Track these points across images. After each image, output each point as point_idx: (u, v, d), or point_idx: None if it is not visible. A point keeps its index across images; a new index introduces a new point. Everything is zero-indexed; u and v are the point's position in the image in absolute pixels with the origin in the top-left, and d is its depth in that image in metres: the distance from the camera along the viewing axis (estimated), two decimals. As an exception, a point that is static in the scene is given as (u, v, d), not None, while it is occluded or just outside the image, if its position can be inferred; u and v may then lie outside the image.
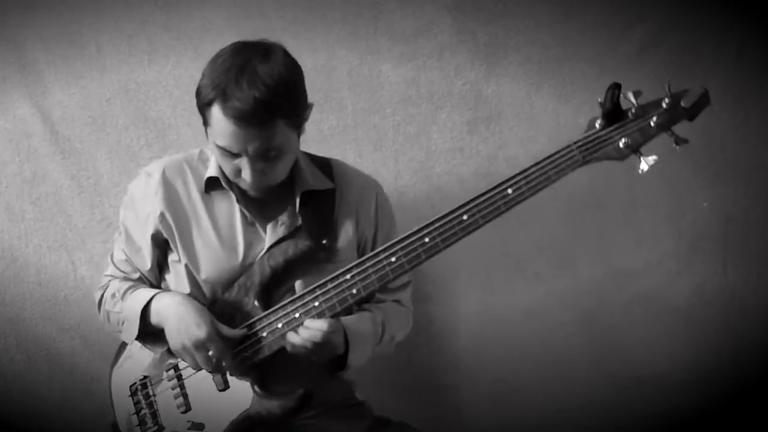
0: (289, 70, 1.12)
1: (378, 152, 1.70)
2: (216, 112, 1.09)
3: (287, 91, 1.10)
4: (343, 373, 1.27)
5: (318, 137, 1.66)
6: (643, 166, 1.07)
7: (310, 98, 1.63)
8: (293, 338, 1.14)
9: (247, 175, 1.14)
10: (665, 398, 1.84)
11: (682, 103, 1.05)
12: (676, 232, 1.80)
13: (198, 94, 1.14)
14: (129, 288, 1.26)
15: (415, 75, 1.68)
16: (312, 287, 1.16)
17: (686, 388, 1.84)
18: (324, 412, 1.31)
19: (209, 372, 1.18)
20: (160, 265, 1.29)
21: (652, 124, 1.07)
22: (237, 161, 1.14)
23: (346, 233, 1.29)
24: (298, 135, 1.19)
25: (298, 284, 1.17)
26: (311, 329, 1.13)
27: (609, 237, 1.79)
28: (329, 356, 1.20)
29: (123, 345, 1.31)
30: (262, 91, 1.06)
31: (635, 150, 1.08)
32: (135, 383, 1.25)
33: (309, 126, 1.64)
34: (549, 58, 1.70)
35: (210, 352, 1.14)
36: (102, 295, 1.31)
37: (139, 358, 1.28)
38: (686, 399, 1.84)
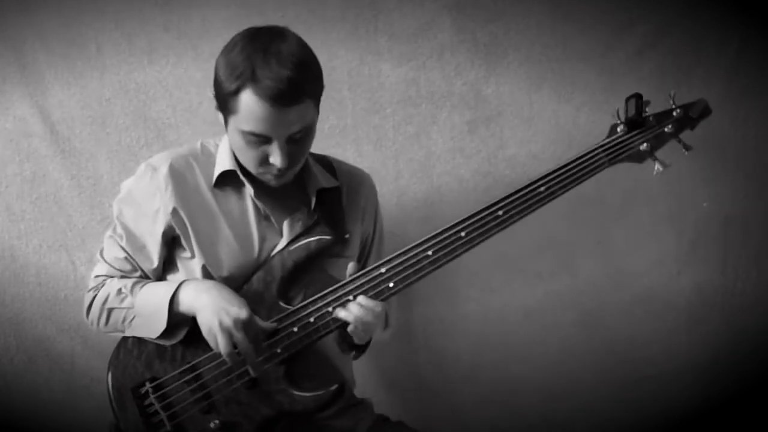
0: (307, 49, 1.14)
1: (378, 152, 1.70)
2: (247, 96, 1.07)
3: (312, 69, 1.12)
4: (359, 355, 1.30)
5: (318, 137, 1.64)
6: (658, 168, 1.21)
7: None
8: (342, 314, 1.14)
9: (277, 160, 1.12)
10: (665, 398, 1.84)
11: (690, 114, 1.21)
12: (676, 232, 1.80)
13: (219, 84, 1.11)
14: (135, 284, 1.23)
15: (415, 75, 1.68)
16: (342, 283, 1.17)
17: (686, 387, 1.84)
18: (329, 413, 1.31)
19: (244, 353, 1.13)
20: (165, 264, 1.27)
21: (666, 130, 1.22)
22: (264, 147, 1.13)
23: (355, 228, 1.32)
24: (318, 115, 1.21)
25: (351, 266, 1.16)
26: (364, 307, 1.13)
27: (609, 237, 1.79)
28: (368, 336, 1.21)
29: (120, 345, 1.28)
30: (292, 69, 1.06)
31: (652, 154, 1.22)
32: (145, 386, 1.21)
33: (309, 126, 1.66)
34: (549, 58, 1.70)
35: (249, 333, 1.12)
36: (95, 296, 1.26)
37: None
38: (686, 398, 1.84)
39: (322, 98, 1.65)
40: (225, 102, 1.12)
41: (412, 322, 1.60)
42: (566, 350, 1.81)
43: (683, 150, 1.22)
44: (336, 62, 1.65)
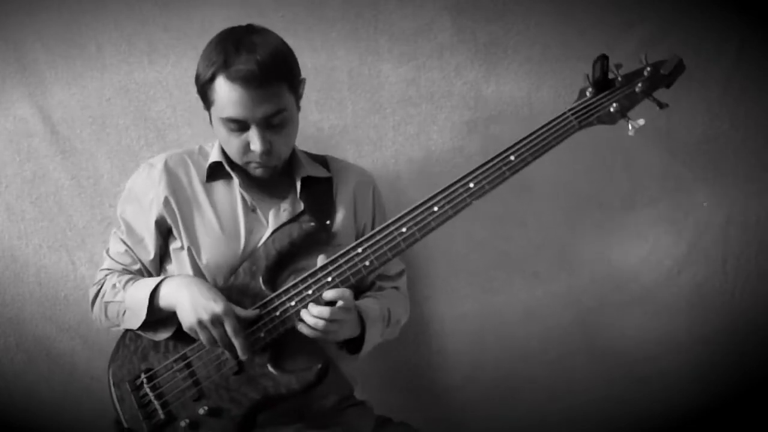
0: (280, 40, 1.20)
1: (378, 152, 1.70)
2: (220, 82, 1.14)
3: (284, 56, 1.18)
4: (357, 355, 1.29)
5: (318, 137, 1.66)
6: (631, 129, 1.18)
7: (310, 98, 1.65)
8: (304, 316, 1.16)
9: (256, 145, 1.18)
10: (665, 398, 1.84)
11: (662, 71, 1.19)
12: (676, 232, 1.80)
13: (197, 78, 1.19)
14: (130, 279, 1.27)
15: (415, 75, 1.68)
16: (320, 265, 1.18)
17: (686, 387, 1.84)
18: (327, 411, 1.32)
19: (225, 348, 1.17)
20: (162, 256, 1.31)
21: (636, 90, 1.19)
22: (244, 135, 1.19)
23: (346, 219, 1.33)
24: (297, 107, 1.25)
25: (320, 258, 1.19)
26: (316, 315, 1.14)
27: (609, 237, 1.79)
28: (344, 336, 1.22)
29: (119, 341, 1.30)
30: (262, 55, 1.13)
31: (624, 115, 1.19)
32: (140, 377, 1.24)
33: (309, 126, 1.66)
34: (549, 58, 1.70)
35: (227, 327, 1.15)
36: (98, 290, 1.31)
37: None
38: (686, 399, 1.84)
39: (322, 98, 1.67)
40: (204, 94, 1.19)
41: (412, 323, 1.60)
42: (566, 350, 1.80)
43: (657, 107, 1.18)
44: (336, 62, 1.65)
